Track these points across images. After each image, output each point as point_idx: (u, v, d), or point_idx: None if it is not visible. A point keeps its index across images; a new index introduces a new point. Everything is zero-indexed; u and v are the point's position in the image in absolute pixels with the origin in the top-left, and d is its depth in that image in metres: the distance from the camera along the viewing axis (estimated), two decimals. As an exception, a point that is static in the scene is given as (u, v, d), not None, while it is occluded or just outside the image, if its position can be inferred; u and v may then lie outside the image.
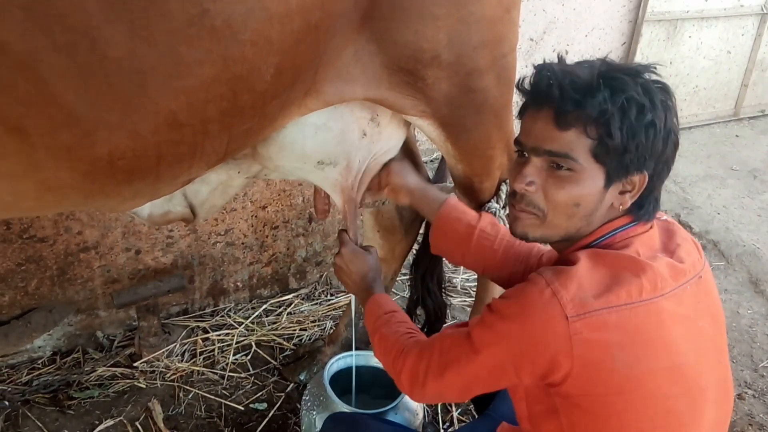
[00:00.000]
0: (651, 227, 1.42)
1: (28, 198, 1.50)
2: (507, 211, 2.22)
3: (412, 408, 2.18)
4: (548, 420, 1.40)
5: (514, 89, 1.43)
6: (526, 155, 1.36)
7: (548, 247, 1.67)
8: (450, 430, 2.44)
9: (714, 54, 4.79)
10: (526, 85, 1.36)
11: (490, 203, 2.21)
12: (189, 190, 1.96)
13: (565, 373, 1.28)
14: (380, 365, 2.29)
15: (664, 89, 1.33)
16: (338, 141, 1.88)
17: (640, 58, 4.44)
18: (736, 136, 4.99)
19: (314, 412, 2.12)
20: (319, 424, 2.04)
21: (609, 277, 1.30)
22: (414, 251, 2.53)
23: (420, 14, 1.71)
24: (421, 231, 2.46)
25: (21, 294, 2.47)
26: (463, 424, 2.40)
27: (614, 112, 1.25)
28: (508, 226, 2.23)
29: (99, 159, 1.43)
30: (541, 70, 1.33)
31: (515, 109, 1.56)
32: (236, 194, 2.67)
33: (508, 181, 2.20)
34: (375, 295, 1.79)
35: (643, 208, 1.37)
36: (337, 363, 2.28)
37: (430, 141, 2.09)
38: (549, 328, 1.27)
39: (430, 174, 2.54)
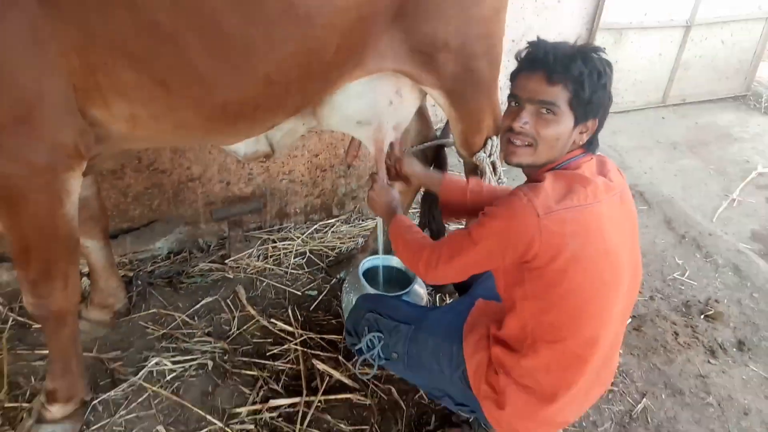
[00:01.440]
0: (591, 158, 1.56)
1: (167, 133, 1.65)
2: (491, 159, 2.35)
3: (420, 294, 2.32)
4: (517, 288, 1.55)
5: (514, 58, 1.52)
6: (519, 105, 1.48)
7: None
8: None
9: (649, 55, 4.75)
10: (524, 55, 1.49)
11: (479, 153, 2.32)
12: (269, 135, 2.09)
13: (534, 253, 1.43)
14: (398, 266, 2.47)
15: (608, 63, 1.47)
16: (371, 106, 1.98)
17: (593, 57, 4.48)
18: (663, 118, 4.99)
19: (351, 295, 2.23)
20: (353, 301, 2.20)
21: (565, 189, 1.44)
22: (422, 191, 2.62)
23: (436, 14, 1.80)
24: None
25: (147, 210, 2.61)
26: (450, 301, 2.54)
27: (586, 74, 1.40)
28: (490, 169, 2.36)
29: (216, 106, 1.57)
30: (537, 43, 1.47)
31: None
32: (297, 145, 2.81)
33: (494, 136, 2.32)
34: (397, 216, 1.91)
35: (592, 144, 1.52)
36: (367, 263, 2.39)
37: (438, 111, 2.19)
38: (526, 223, 1.41)
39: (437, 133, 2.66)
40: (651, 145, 4.50)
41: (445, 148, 2.56)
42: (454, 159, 3.14)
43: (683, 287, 2.91)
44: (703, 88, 5.24)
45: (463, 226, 2.21)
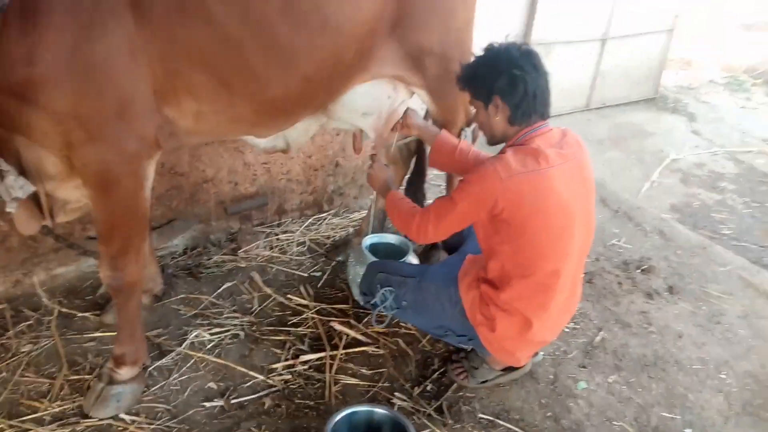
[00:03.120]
0: (550, 131, 2.00)
1: (224, 126, 2.00)
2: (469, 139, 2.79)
3: (413, 263, 2.73)
4: (494, 237, 1.98)
5: None
6: None
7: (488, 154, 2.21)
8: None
9: (574, 66, 5.35)
10: None
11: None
12: (287, 134, 2.43)
13: (501, 208, 1.87)
14: (393, 241, 2.85)
15: (486, 58, 1.97)
16: (374, 100, 2.35)
17: (527, 69, 5.06)
18: (588, 120, 5.60)
19: (357, 267, 2.55)
20: (360, 272, 2.49)
21: (522, 159, 1.88)
22: (408, 177, 3.01)
23: (424, 26, 2.22)
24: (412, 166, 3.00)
25: (167, 209, 2.87)
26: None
27: (470, 74, 1.99)
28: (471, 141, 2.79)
29: (266, 101, 1.94)
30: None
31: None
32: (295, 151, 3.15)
33: (466, 127, 2.75)
34: (393, 191, 2.29)
35: (517, 119, 1.95)
36: (368, 240, 2.73)
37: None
38: (493, 185, 1.86)
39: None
40: (581, 142, 5.10)
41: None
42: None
43: (621, 250, 3.45)
44: (620, 93, 5.93)
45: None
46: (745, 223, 4.06)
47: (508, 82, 1.91)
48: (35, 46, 1.56)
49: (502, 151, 1.98)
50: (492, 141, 2.10)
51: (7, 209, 1.75)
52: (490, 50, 1.99)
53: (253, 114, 1.97)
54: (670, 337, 2.77)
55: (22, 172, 1.78)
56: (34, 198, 1.86)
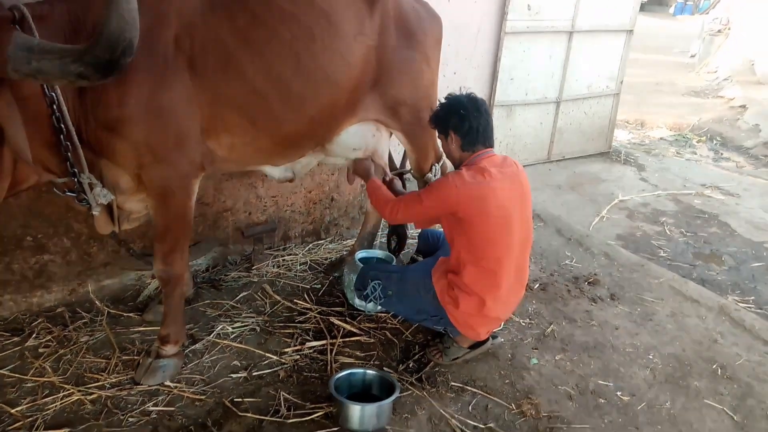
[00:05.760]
0: (494, 156, 2.65)
1: (250, 155, 2.62)
2: (436, 177, 3.43)
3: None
4: (454, 230, 2.58)
5: None
6: None
7: None
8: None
9: (534, 124, 6.08)
10: None
11: (428, 174, 3.37)
12: (295, 167, 3.06)
13: (457, 209, 2.48)
14: (380, 255, 3.45)
15: (443, 104, 2.64)
16: (362, 138, 2.96)
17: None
18: (549, 169, 6.28)
19: (351, 275, 3.11)
20: (353, 279, 3.05)
21: (472, 175, 2.50)
22: None
23: (397, 84, 2.85)
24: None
25: (194, 233, 3.37)
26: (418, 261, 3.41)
27: (433, 118, 2.58)
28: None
29: (281, 136, 2.56)
30: None
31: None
32: (297, 184, 3.75)
33: (436, 163, 3.41)
34: (372, 178, 2.90)
35: (466, 147, 2.59)
36: (359, 255, 3.32)
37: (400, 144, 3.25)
38: (450, 192, 2.48)
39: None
40: (542, 187, 5.76)
41: (404, 176, 3.64)
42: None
43: (572, 268, 4.03)
44: (576, 147, 6.68)
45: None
46: (680, 247, 4.70)
47: (457, 121, 2.58)
48: (124, 94, 2.19)
49: (459, 169, 2.61)
50: (454, 164, 2.74)
51: (92, 212, 2.33)
52: (448, 98, 2.67)
53: (272, 146, 2.60)
54: (608, 329, 3.33)
55: (103, 186, 2.37)
56: (108, 209, 2.44)
